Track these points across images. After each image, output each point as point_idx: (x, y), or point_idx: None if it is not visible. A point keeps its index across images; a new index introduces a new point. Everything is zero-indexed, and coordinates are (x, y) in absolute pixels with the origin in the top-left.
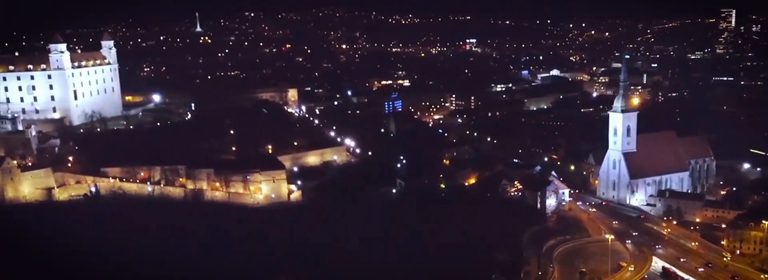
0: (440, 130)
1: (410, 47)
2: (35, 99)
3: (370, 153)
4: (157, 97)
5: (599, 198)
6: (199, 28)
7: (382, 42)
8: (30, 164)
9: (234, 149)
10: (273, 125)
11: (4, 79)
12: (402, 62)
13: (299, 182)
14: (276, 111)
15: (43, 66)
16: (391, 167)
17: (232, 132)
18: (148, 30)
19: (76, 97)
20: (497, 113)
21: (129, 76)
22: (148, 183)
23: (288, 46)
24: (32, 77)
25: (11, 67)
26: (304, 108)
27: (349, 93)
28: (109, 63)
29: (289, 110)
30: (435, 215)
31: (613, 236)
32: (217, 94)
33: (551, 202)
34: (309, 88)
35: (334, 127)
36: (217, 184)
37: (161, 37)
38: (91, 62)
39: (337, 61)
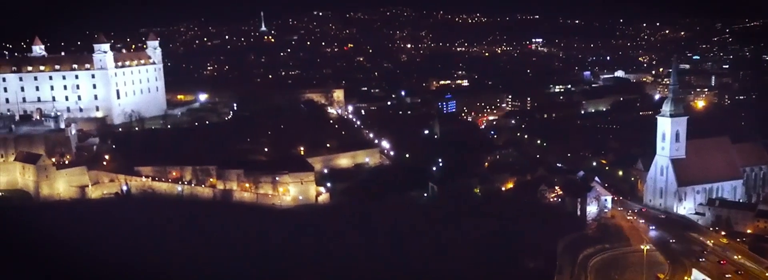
0: (492, 132)
1: (475, 47)
2: (79, 98)
3: (407, 155)
4: (202, 97)
5: (645, 205)
6: (264, 27)
7: (447, 41)
8: (67, 161)
9: (266, 150)
10: (309, 126)
11: (51, 78)
12: (464, 62)
13: (328, 184)
14: (315, 112)
15: (88, 65)
16: (424, 170)
17: (269, 133)
18: (217, 29)
19: (118, 97)
20: (553, 115)
21: (188, 75)
22: (180, 183)
23: (350, 45)
24: (77, 77)
25: (57, 67)
26: (350, 108)
27: (403, 93)
28: (153, 63)
29: (331, 111)
30: (466, 220)
31: (650, 246)
32: (263, 94)
33: (592, 209)
34: (365, 88)
35: (375, 129)
36: (247, 185)
37: (227, 37)
38: (135, 62)
39: (397, 60)
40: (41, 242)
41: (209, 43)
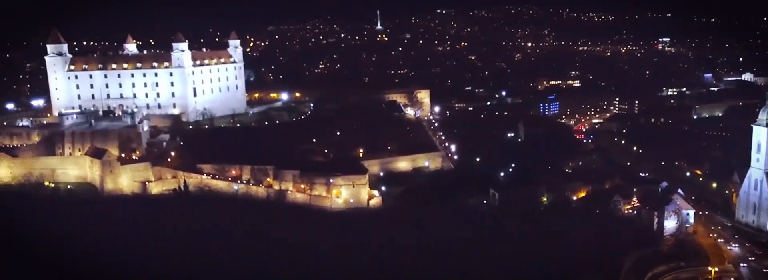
0: (591, 137)
1: (599, 46)
2: (158, 95)
3: (478, 159)
4: (284, 96)
5: (737, 222)
6: (380, 26)
7: (570, 40)
8: (137, 157)
9: (326, 151)
10: (377, 128)
11: (132, 75)
12: (582, 62)
13: (383, 188)
14: (388, 113)
15: (167, 64)
16: (489, 176)
17: (338, 134)
18: (340, 27)
19: (195, 94)
20: (660, 120)
21: (297, 73)
22: (238, 181)
23: (464, 43)
24: (156, 74)
25: (139, 65)
26: (437, 109)
27: (504, 93)
28: (234, 61)
29: (409, 112)
30: (527, 230)
31: (723, 267)
32: (344, 93)
33: (671, 223)
34: (469, 88)
35: (451, 131)
36: (302, 186)
37: (343, 35)
38: (214, 61)
39: (511, 59)
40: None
41: (324, 42)
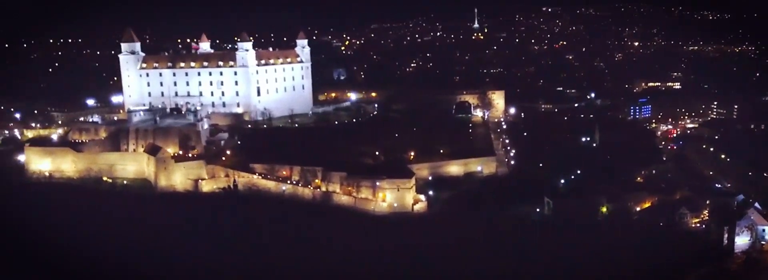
0: (680, 142)
1: (712, 45)
2: (223, 94)
3: (541, 165)
4: (353, 96)
5: None
6: (476, 24)
7: (679, 39)
8: (195, 154)
9: (377, 153)
10: (433, 130)
11: (199, 74)
12: (687, 62)
13: (430, 193)
14: (454, 114)
15: (232, 63)
16: (547, 183)
17: (396, 135)
18: (443, 25)
19: (258, 94)
20: (761, 126)
21: (386, 72)
22: (287, 182)
23: (563, 43)
24: (221, 73)
25: (205, 64)
26: (513, 111)
27: (592, 95)
28: (300, 61)
29: (477, 114)
30: (581, 241)
31: None
32: (413, 94)
33: (743, 239)
34: (560, 88)
35: (516, 134)
36: (349, 188)
37: (439, 33)
38: (279, 60)
39: (610, 59)
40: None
41: (420, 40)
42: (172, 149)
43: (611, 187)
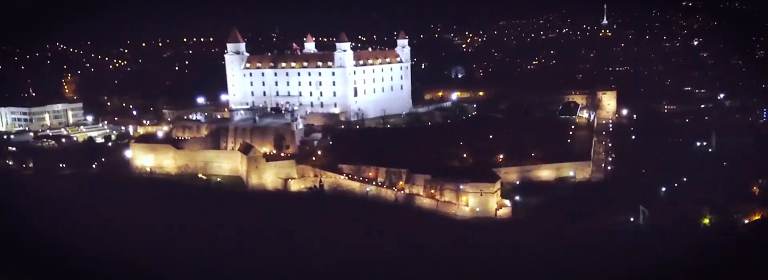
0: None
1: None
2: (321, 94)
3: (643, 171)
4: (454, 95)
5: None
6: (605, 21)
7: None
8: (288, 154)
9: (464, 155)
10: (528, 131)
11: (299, 74)
12: None
13: (517, 198)
14: (556, 116)
15: (330, 63)
16: (644, 190)
17: (490, 136)
18: (566, 21)
19: (355, 94)
20: None
21: (505, 70)
22: (373, 183)
23: (699, 39)
24: (320, 74)
25: (305, 64)
26: (625, 112)
27: (721, 96)
28: (400, 61)
29: (583, 115)
30: (676, 255)
31: None
32: (517, 93)
33: None
34: (688, 88)
35: (622, 137)
36: (433, 191)
37: (565, 30)
38: (378, 61)
39: (751, 56)
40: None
41: (544, 37)
42: (267, 148)
43: (717, 197)
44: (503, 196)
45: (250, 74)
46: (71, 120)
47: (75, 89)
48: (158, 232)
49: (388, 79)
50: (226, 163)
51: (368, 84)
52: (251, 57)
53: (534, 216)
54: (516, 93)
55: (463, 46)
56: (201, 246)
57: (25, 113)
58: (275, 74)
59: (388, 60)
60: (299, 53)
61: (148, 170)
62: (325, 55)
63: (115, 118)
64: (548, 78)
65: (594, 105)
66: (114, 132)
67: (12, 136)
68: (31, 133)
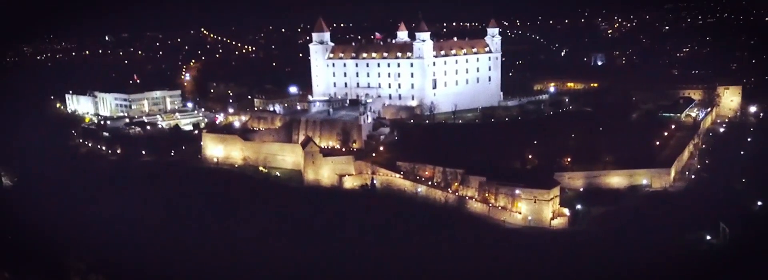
0: None
1: None
2: (399, 86)
3: (743, 180)
4: (551, 87)
5: None
6: None
7: None
8: (354, 148)
9: (530, 156)
10: (616, 130)
11: (378, 65)
12: None
13: (578, 206)
14: (657, 114)
15: (410, 54)
16: (729, 204)
17: (572, 136)
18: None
19: (434, 86)
20: None
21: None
22: (429, 183)
23: None
24: (399, 65)
25: (385, 54)
26: (753, 109)
27: None
28: (489, 51)
29: (692, 113)
30: None
31: None
32: (624, 88)
33: None
34: None
35: (734, 141)
36: (487, 194)
37: (725, 15)
38: (462, 51)
39: None
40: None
41: (700, 22)
42: (333, 142)
43: None
44: (563, 204)
45: (333, 65)
46: (169, 107)
47: (194, 75)
48: (178, 224)
49: (474, 70)
50: (290, 156)
51: (450, 76)
52: (336, 47)
53: (594, 228)
54: (627, 85)
55: (609, 32)
56: (213, 243)
57: (125, 100)
58: (356, 65)
59: (474, 50)
60: (381, 43)
61: (215, 160)
62: (405, 46)
63: (213, 106)
64: (694, 66)
65: (709, 101)
66: (205, 120)
67: (109, 123)
68: (127, 120)
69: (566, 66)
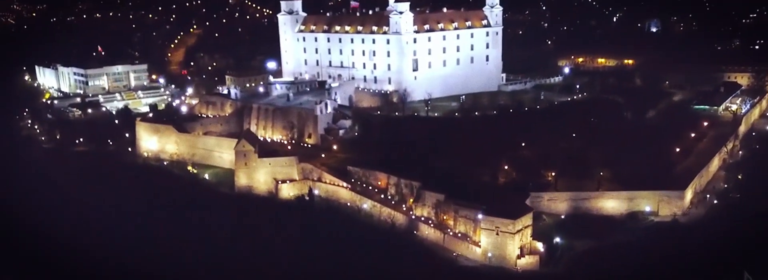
0: None
1: None
2: (374, 66)
3: None
4: (566, 68)
5: None
6: None
7: None
8: (309, 144)
9: (505, 167)
10: (628, 129)
11: (352, 41)
12: None
13: (556, 240)
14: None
15: (386, 28)
16: (758, 242)
17: (573, 135)
18: None
19: (415, 69)
20: None
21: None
22: (381, 195)
23: None
24: (373, 41)
25: (359, 28)
26: None
27: None
28: (487, 25)
29: (733, 105)
30: None
31: None
32: (661, 68)
33: None
34: None
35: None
36: (444, 216)
37: None
38: (453, 25)
39: None
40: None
41: None
42: (283, 137)
43: None
44: (537, 235)
45: (303, 39)
46: (133, 83)
47: (189, 45)
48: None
49: (467, 48)
50: (228, 153)
51: (436, 55)
52: (308, 18)
53: (575, 270)
54: (658, 65)
55: None
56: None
57: (82, 75)
58: (328, 40)
59: (468, 24)
60: (357, 14)
61: (146, 155)
62: (381, 18)
63: (184, 84)
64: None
65: (760, 89)
66: (169, 100)
67: (56, 102)
68: (78, 99)
69: (614, 35)
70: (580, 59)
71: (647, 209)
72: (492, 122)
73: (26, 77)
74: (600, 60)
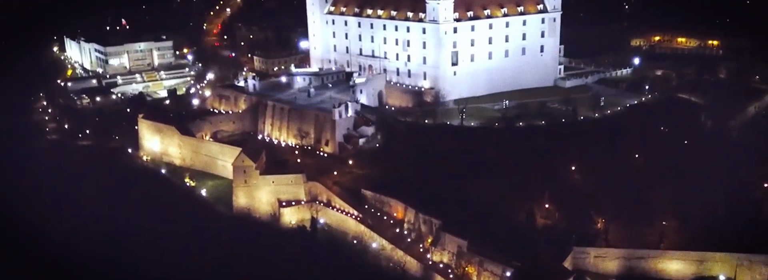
0: None
1: None
2: (408, 58)
3: None
4: (636, 61)
5: None
6: None
7: None
8: (325, 153)
9: (546, 205)
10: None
11: (384, 28)
12: None
13: None
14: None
15: (422, 15)
16: None
17: (636, 156)
18: None
19: (454, 63)
20: None
21: None
22: (396, 230)
23: None
24: (408, 29)
25: (393, 13)
26: None
27: None
28: (542, 11)
29: None
30: None
31: None
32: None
33: None
34: None
35: None
36: (465, 268)
37: None
38: (501, 11)
39: None
40: None
41: None
42: (294, 141)
43: None
44: None
45: (333, 21)
46: (157, 62)
47: (228, 16)
48: None
49: (517, 38)
50: (231, 162)
51: (480, 46)
52: None
53: None
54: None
55: None
56: None
57: (102, 53)
58: (359, 24)
59: (520, 9)
60: None
61: (146, 158)
62: (417, 3)
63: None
64: None
65: None
66: (192, 83)
67: (70, 84)
68: (94, 81)
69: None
70: (657, 37)
71: (722, 277)
72: (538, 136)
73: (55, 48)
74: (680, 39)
